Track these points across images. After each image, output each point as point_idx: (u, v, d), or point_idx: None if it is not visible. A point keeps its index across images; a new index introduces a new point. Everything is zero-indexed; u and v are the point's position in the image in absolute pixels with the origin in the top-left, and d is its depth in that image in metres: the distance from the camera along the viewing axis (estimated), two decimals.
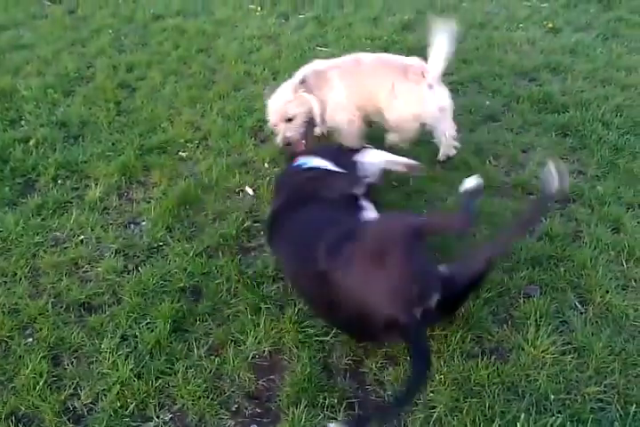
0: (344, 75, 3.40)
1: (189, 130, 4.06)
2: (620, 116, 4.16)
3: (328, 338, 2.53)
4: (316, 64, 3.50)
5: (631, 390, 2.27)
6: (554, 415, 2.18)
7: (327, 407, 2.25)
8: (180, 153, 3.85)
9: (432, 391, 2.28)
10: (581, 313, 2.64)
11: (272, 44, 5.47)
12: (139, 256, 3.01)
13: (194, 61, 5.10)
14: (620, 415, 2.18)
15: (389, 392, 2.31)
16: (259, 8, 6.36)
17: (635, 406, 2.19)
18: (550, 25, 5.78)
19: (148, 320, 2.63)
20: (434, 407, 2.23)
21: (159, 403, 2.30)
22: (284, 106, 3.36)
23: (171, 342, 2.52)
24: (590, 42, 5.43)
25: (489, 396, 2.25)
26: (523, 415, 2.15)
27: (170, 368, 2.41)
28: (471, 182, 2.48)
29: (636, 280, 2.81)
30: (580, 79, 4.71)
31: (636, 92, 4.50)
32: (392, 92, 3.31)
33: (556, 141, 3.90)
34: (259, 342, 2.50)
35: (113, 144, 3.93)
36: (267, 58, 5.14)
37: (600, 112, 4.17)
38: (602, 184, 3.48)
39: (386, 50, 5.22)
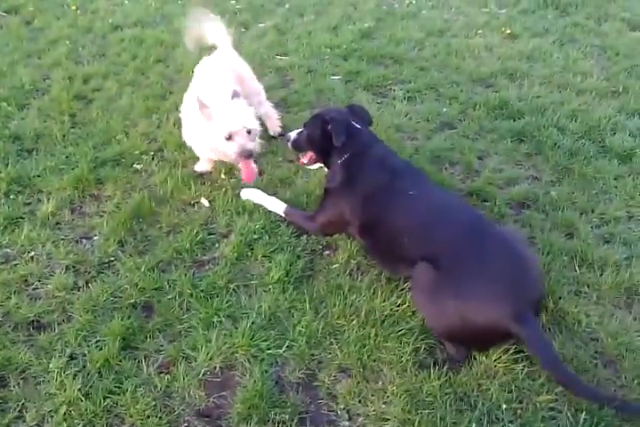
0: None
1: (145, 141, 3.99)
2: (576, 121, 4.21)
3: (281, 351, 2.50)
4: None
5: None
6: (505, 425, 2.18)
7: (279, 423, 2.22)
8: (135, 165, 3.77)
9: (384, 403, 2.27)
10: None
11: None
12: (89, 272, 2.95)
13: (151, 71, 5.02)
14: (571, 423, 2.19)
15: (342, 406, 2.29)
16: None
17: (584, 413, 2.20)
18: (508, 31, 5.83)
19: (98, 338, 2.57)
20: (386, 420, 2.22)
21: (107, 423, 2.24)
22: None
23: (120, 360, 2.47)
24: (547, 47, 5.50)
25: (441, 407, 2.24)
26: (474, 426, 2.15)
27: (119, 387, 2.36)
28: None
29: (588, 286, 2.82)
30: (536, 85, 4.77)
31: (591, 96, 4.56)
32: None
33: (511, 147, 3.92)
34: (210, 358, 2.46)
35: (67, 157, 3.84)
36: None
37: (555, 117, 4.22)
38: (556, 189, 3.51)
39: (345, 58, 5.25)
